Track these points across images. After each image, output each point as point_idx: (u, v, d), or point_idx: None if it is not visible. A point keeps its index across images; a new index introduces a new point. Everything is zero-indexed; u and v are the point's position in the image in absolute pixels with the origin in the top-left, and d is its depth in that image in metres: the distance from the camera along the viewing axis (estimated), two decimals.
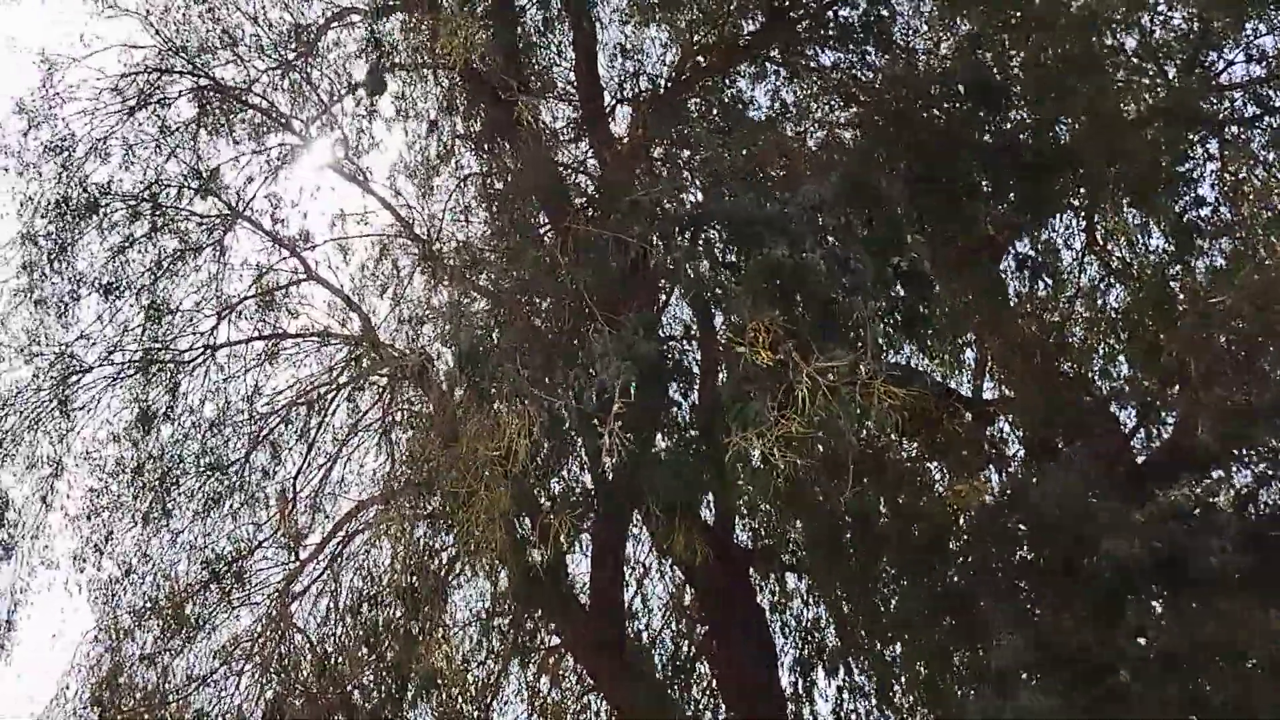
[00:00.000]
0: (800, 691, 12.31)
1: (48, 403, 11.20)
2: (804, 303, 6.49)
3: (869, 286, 6.50)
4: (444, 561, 10.19)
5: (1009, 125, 9.37)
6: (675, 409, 8.81)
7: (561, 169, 10.33)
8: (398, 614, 9.97)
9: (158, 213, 11.36)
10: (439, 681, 10.49)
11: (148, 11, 11.21)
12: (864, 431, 8.18)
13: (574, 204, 9.61)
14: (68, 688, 10.90)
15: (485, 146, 11.76)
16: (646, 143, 9.31)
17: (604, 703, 12.04)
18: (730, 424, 6.24)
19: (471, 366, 7.76)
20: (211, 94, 11.19)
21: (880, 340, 6.42)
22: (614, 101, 10.45)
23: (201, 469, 11.65)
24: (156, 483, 11.52)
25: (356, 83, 11.71)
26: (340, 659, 10.53)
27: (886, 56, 9.36)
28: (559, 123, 11.13)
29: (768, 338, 6.06)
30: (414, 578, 9.66)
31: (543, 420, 7.06)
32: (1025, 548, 9.47)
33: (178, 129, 11.19)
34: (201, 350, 11.66)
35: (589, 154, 10.70)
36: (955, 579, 9.88)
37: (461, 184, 12.06)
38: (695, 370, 9.11)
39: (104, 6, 10.86)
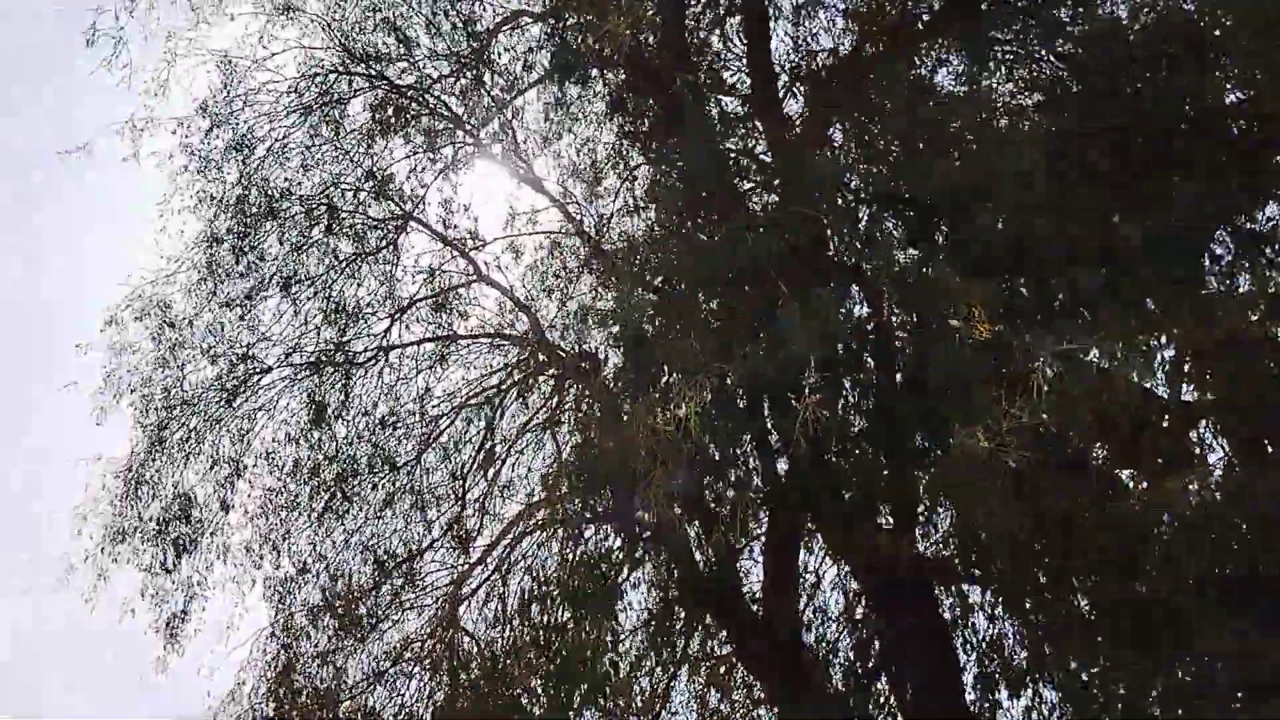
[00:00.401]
0: (981, 711, 11.63)
1: (229, 403, 11.47)
2: (1021, 277, 5.97)
3: (1092, 260, 5.93)
4: (614, 561, 9.95)
5: (1220, 96, 8.63)
6: (869, 392, 8.32)
7: (732, 153, 10.06)
8: (566, 616, 9.78)
9: (333, 215, 11.56)
10: (607, 688, 10.27)
11: (329, 23, 11.46)
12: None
13: (745, 188, 9.31)
14: (244, 683, 11.07)
15: (652, 142, 11.62)
16: (826, 121, 8.93)
17: (775, 716, 11.61)
18: (948, 414, 5.75)
19: (639, 349, 7.49)
20: (387, 96, 11.32)
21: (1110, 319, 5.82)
22: (787, 85, 10.13)
23: (374, 470, 11.75)
24: (331, 482, 11.67)
25: (528, 84, 11.71)
26: (509, 662, 10.40)
27: (1083, 23, 8.72)
28: (730, 108, 10.88)
29: (981, 314, 5.57)
30: (584, 581, 9.44)
31: (714, 385, 6.68)
32: (1238, 554, 8.70)
33: (353, 131, 11.36)
34: (375, 352, 11.78)
35: (761, 137, 10.39)
36: (1160, 590, 9.14)
37: (630, 178, 11.91)
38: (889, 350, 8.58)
39: (282, 11, 11.09)
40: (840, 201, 7.42)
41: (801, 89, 9.76)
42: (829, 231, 8.18)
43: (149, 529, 11.20)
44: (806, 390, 6.00)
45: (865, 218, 7.18)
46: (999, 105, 9.38)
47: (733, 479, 9.17)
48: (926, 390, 7.31)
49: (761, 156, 10.18)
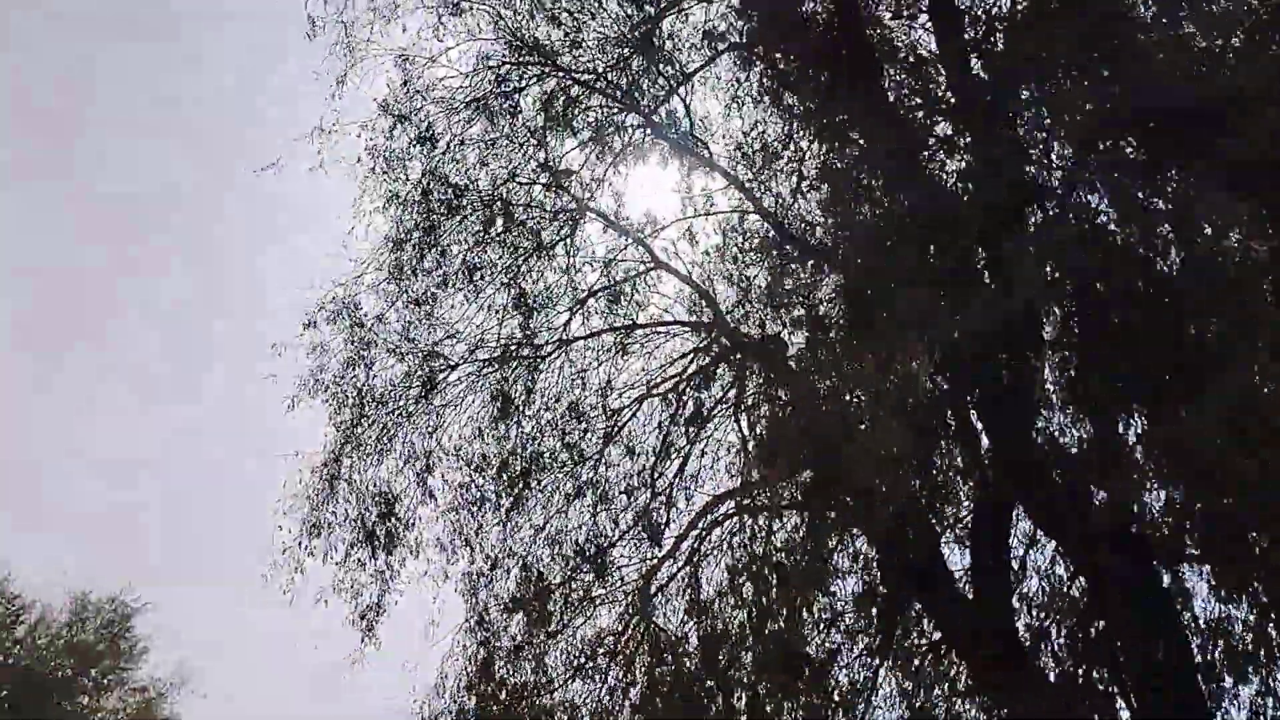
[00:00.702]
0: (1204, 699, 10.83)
1: (418, 399, 11.60)
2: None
3: None
4: (823, 538, 9.62)
5: None
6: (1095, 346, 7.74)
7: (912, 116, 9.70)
8: (775, 594, 9.47)
9: (508, 212, 11.59)
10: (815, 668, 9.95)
11: (498, 18, 11.52)
12: None
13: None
14: (446, 676, 11.11)
15: (824, 119, 11.31)
16: (1023, 64, 8.43)
17: (982, 706, 11.03)
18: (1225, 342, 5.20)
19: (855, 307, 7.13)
20: (559, 85, 11.31)
21: None
22: (979, 34, 9.67)
23: (560, 463, 11.70)
24: (518, 477, 11.66)
25: (705, 61, 11.57)
26: (711, 651, 10.16)
27: None
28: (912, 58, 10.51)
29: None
30: (792, 557, 9.14)
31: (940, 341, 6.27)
32: None
33: (527, 124, 11.38)
34: (556, 345, 11.75)
35: (944, 103, 9.98)
36: None
37: (801, 157, 11.60)
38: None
39: (453, 11, 11.21)
40: (1053, 136, 6.92)
41: (995, 36, 9.27)
42: (1035, 179, 7.70)
43: (346, 524, 11.39)
44: (1046, 338, 5.55)
45: (1100, 147, 6.66)
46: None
47: (943, 449, 8.73)
48: (1164, 336, 6.76)
49: (946, 107, 9.75)
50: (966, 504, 10.35)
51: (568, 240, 11.67)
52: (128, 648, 25.33)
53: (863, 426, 7.18)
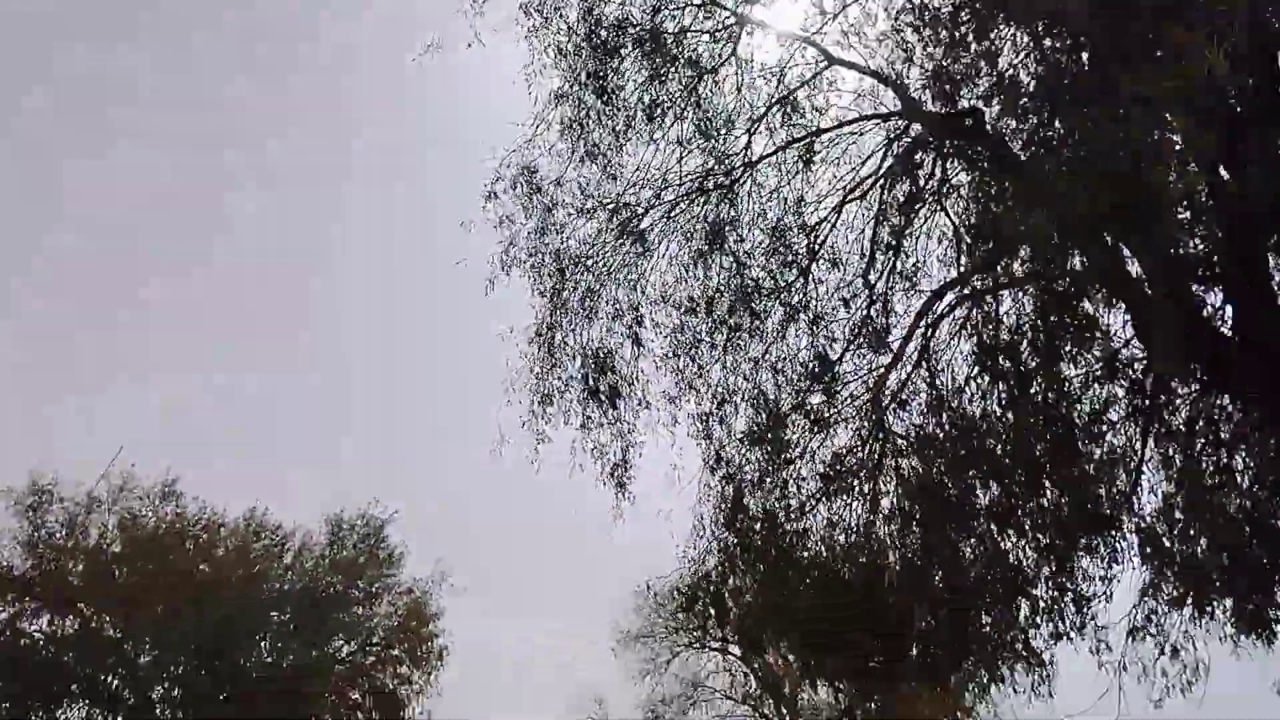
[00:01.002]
0: None
1: (615, 254, 11.43)
2: None
3: None
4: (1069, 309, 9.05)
5: None
6: None
7: None
8: (1031, 367, 9.01)
9: (659, 42, 11.05)
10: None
11: None
12: None
13: None
14: (701, 517, 11.13)
15: None
16: None
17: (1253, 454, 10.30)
18: None
19: None
20: None
21: None
22: None
23: (767, 291, 11.36)
24: (727, 313, 11.41)
25: None
26: (969, 435, 9.82)
27: None
28: None
29: None
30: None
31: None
32: None
33: None
34: (741, 168, 11.30)
35: None
36: None
37: None
38: None
39: None
40: None
41: None
42: None
43: (573, 387, 11.42)
44: None
45: None
46: None
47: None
48: None
49: None
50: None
51: (733, 58, 11.10)
52: (386, 556, 26.68)
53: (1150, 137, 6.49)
